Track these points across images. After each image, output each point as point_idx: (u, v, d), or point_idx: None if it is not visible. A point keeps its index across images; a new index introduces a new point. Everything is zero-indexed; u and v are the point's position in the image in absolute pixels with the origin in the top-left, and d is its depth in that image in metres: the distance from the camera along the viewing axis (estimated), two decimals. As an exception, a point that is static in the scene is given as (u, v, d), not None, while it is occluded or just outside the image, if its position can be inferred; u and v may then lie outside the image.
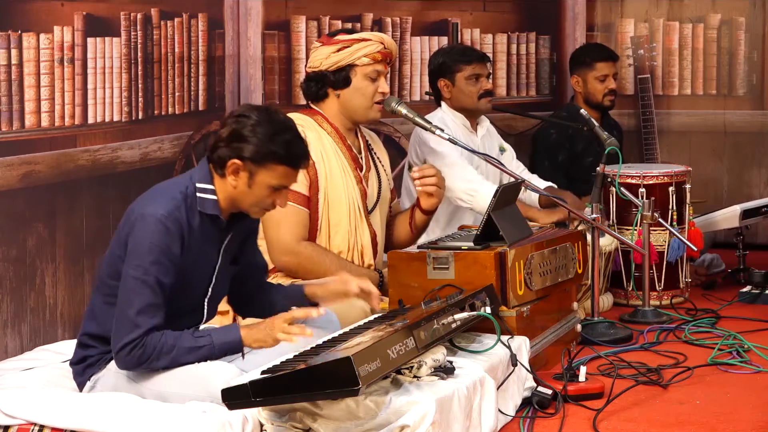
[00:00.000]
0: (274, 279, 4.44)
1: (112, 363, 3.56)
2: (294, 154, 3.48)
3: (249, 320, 3.95)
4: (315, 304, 3.78)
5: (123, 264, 3.47)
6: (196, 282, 3.57)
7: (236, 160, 3.46)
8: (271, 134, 3.45)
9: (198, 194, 3.51)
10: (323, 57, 4.46)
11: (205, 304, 3.63)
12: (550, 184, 5.54)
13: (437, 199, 4.55)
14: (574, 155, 6.17)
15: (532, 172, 5.96)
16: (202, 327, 3.74)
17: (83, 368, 3.62)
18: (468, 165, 5.22)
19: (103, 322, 3.56)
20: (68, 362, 3.69)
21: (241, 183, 3.49)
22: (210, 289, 3.62)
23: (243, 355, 3.55)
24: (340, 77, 4.46)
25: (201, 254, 3.54)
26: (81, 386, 3.62)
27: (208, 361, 3.47)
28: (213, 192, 3.52)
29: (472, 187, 5.13)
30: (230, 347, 3.50)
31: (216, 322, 4.18)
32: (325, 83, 4.49)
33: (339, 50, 4.44)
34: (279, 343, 3.48)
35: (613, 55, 6.32)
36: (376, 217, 4.60)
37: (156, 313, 3.41)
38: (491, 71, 5.75)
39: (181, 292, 3.49)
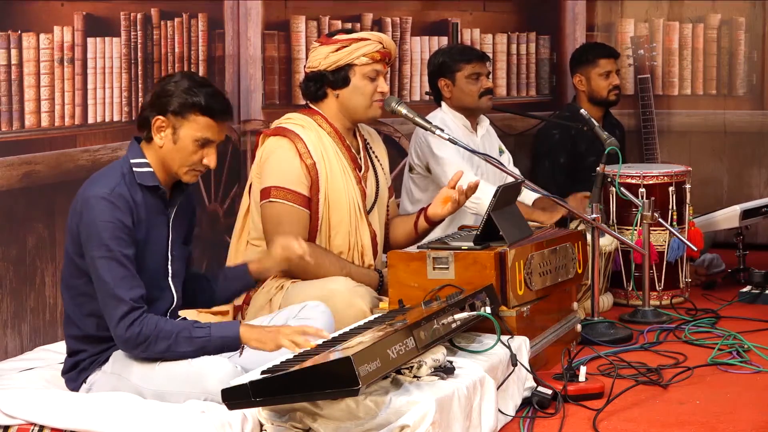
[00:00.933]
0: (275, 278, 4.45)
1: (107, 364, 3.57)
2: (214, 105, 3.56)
3: (258, 320, 3.97)
4: (255, 282, 3.95)
5: (80, 259, 3.52)
6: (154, 259, 3.61)
7: (160, 116, 3.55)
8: (191, 87, 3.55)
9: (134, 169, 3.58)
10: (322, 57, 4.46)
11: (171, 283, 3.65)
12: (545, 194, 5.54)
13: (446, 213, 4.52)
14: (577, 155, 6.17)
15: (532, 172, 5.96)
16: (181, 313, 3.78)
17: (77, 373, 3.63)
18: (470, 171, 5.22)
19: (81, 323, 3.59)
20: (60, 372, 3.70)
21: (167, 140, 3.56)
22: (170, 268, 3.65)
23: (241, 352, 3.56)
24: (339, 77, 4.46)
25: (152, 228, 3.59)
26: (76, 391, 3.62)
27: (203, 357, 3.48)
28: (148, 164, 3.59)
29: (476, 195, 5.13)
30: (228, 342, 3.51)
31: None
32: (324, 83, 4.48)
33: (337, 50, 4.44)
34: (279, 349, 3.49)
35: (614, 52, 6.33)
36: (375, 217, 4.60)
37: (134, 284, 3.45)
38: (491, 70, 5.74)
39: (145, 273, 3.53)
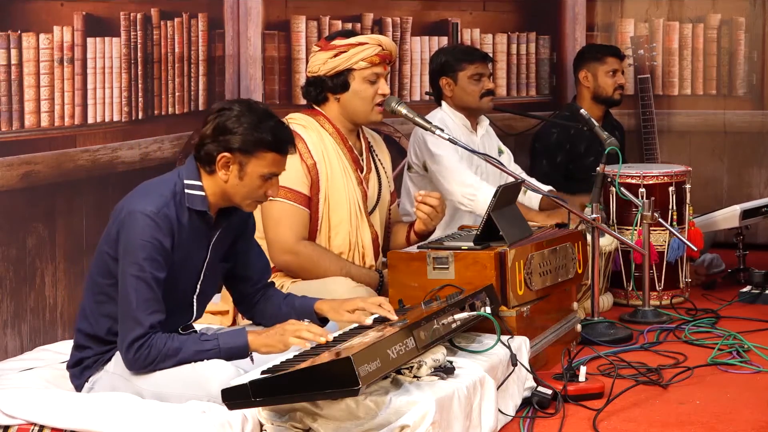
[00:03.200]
0: (274, 278, 4.45)
1: (110, 364, 3.57)
2: (281, 139, 3.53)
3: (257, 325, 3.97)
4: (323, 320, 3.80)
5: (112, 261, 3.50)
6: (185, 279, 3.59)
7: (226, 153, 3.49)
8: (257, 122, 3.49)
9: (186, 191, 3.54)
10: (321, 62, 4.46)
11: (194, 301, 3.65)
12: (550, 188, 5.54)
13: (429, 229, 4.52)
14: (576, 155, 6.17)
15: (531, 172, 5.96)
16: (199, 328, 3.75)
17: (80, 370, 3.63)
18: (467, 169, 5.23)
19: (95, 321, 3.58)
20: (65, 365, 3.70)
21: (233, 176, 3.51)
22: (198, 287, 3.64)
23: (252, 359, 3.55)
24: (339, 82, 4.46)
25: (190, 251, 3.57)
26: (79, 389, 3.62)
27: (206, 360, 3.47)
28: (201, 188, 3.54)
29: (471, 192, 5.14)
30: (237, 351, 3.50)
31: (216, 323, 4.19)
32: (324, 88, 4.49)
33: (336, 55, 4.44)
34: (289, 348, 3.48)
35: (621, 53, 6.36)
36: (376, 219, 4.60)
37: (156, 309, 3.44)
38: (492, 71, 5.76)
39: (171, 289, 3.51)
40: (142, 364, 3.44)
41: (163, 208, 3.46)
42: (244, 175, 3.51)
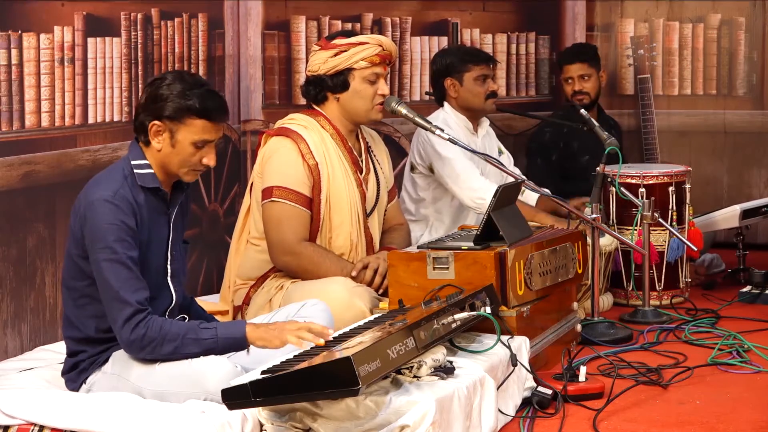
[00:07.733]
0: (275, 278, 4.45)
1: (107, 365, 3.57)
2: (209, 107, 3.54)
3: (257, 318, 3.97)
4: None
5: (83, 261, 3.52)
6: (154, 260, 3.61)
7: (156, 121, 3.54)
8: (185, 90, 3.53)
9: (135, 171, 3.57)
10: (321, 61, 4.46)
11: (170, 283, 3.65)
12: (546, 191, 5.54)
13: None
14: (570, 154, 6.16)
15: (528, 171, 5.96)
16: (183, 315, 3.77)
17: (77, 374, 3.63)
18: (475, 171, 5.21)
19: (82, 325, 3.59)
20: (60, 373, 3.70)
21: (165, 144, 3.56)
22: (169, 267, 3.65)
23: (248, 351, 3.56)
24: (338, 81, 4.46)
25: (153, 229, 3.59)
26: (75, 392, 3.62)
27: (203, 357, 3.48)
28: (149, 166, 3.59)
29: (479, 195, 5.14)
30: (234, 342, 3.52)
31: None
32: (324, 87, 4.49)
33: (336, 54, 4.45)
34: (284, 345, 3.48)
35: (580, 57, 6.24)
36: (374, 220, 4.60)
37: (139, 287, 3.45)
38: (495, 74, 5.75)
39: (145, 272, 3.52)
40: (140, 344, 3.44)
41: (119, 191, 3.50)
42: (176, 142, 3.55)
